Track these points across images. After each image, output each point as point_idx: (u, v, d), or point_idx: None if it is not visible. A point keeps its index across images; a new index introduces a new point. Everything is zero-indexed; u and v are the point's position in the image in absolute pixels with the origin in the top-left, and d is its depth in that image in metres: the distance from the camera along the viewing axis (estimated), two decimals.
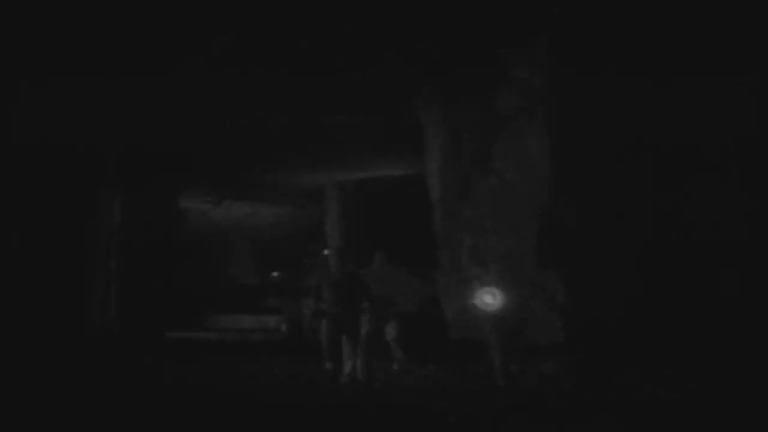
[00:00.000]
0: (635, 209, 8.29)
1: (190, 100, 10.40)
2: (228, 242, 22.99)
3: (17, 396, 6.90)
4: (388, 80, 9.59)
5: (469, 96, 9.30)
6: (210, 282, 19.47)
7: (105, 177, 13.15)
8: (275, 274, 20.63)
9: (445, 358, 8.97)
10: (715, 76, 7.79)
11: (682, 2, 7.57)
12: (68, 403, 6.76)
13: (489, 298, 7.26)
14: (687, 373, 7.07)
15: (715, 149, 8.21)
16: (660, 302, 8.01)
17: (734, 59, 7.79)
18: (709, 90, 7.82)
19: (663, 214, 8.26)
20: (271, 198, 19.55)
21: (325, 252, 7.75)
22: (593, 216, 8.20)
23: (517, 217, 8.68)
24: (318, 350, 8.38)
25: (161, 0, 7.36)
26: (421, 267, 9.97)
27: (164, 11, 7.53)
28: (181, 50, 8.52)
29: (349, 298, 7.99)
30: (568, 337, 7.92)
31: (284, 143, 13.00)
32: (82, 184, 12.43)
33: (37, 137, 10.86)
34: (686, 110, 7.97)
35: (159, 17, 7.64)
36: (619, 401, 6.49)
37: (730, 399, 6.33)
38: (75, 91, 9.42)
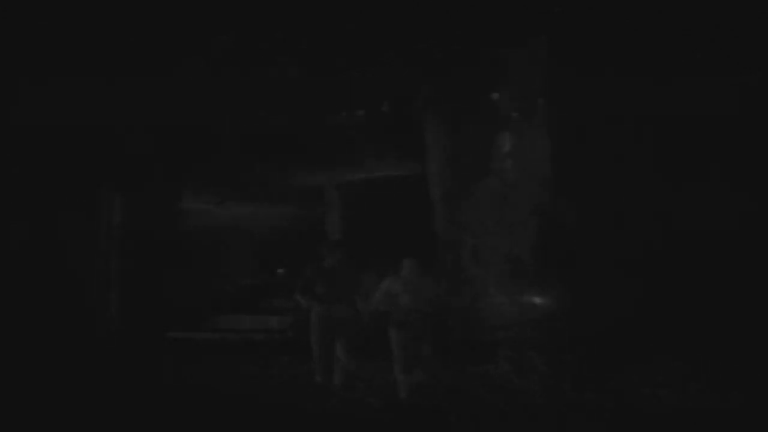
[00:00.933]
0: (635, 209, 8.29)
1: (190, 100, 10.39)
2: (228, 242, 22.98)
3: (18, 396, 6.90)
4: (388, 80, 9.59)
5: (469, 96, 9.30)
6: (210, 282, 19.44)
7: (105, 177, 13.14)
8: (281, 271, 20.54)
9: (445, 358, 8.94)
10: (715, 76, 7.79)
11: (682, 2, 7.57)
12: (69, 402, 6.75)
13: (537, 301, 7.27)
14: (688, 374, 7.07)
15: (715, 149, 8.21)
16: (660, 302, 8.01)
17: (734, 59, 7.80)
18: (709, 90, 7.82)
19: (663, 214, 8.26)
20: (271, 198, 19.54)
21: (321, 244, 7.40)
22: (593, 216, 8.21)
23: (517, 217, 8.68)
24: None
25: (161, 0, 7.37)
26: (421, 267, 9.94)
27: (164, 11, 7.53)
28: (181, 50, 8.52)
29: (347, 293, 7.17)
30: (568, 337, 7.92)
31: (284, 143, 12.99)
32: (82, 184, 12.43)
33: (37, 138, 10.86)
34: (686, 110, 7.97)
35: (159, 17, 7.64)
36: (619, 402, 6.48)
37: (731, 399, 6.33)
38: (75, 91, 9.42)
